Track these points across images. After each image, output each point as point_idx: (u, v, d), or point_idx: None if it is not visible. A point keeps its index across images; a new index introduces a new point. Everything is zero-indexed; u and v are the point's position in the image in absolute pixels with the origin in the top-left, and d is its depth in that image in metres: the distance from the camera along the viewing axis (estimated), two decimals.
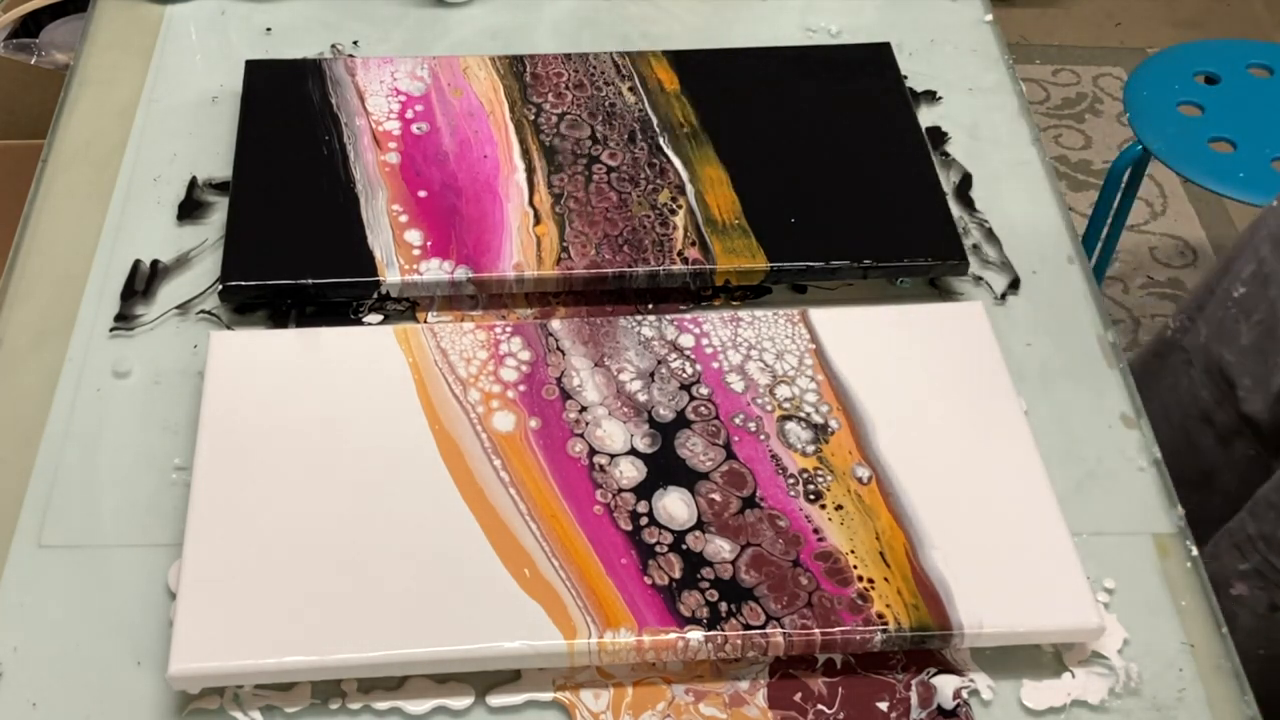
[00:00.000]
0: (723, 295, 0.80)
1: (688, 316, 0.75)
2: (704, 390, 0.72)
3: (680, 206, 0.81)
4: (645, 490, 0.67)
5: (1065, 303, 0.81)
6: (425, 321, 0.78)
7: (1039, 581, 0.64)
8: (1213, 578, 0.76)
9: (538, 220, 0.80)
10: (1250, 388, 0.98)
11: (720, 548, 0.65)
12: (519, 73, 0.90)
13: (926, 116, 0.92)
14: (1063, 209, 0.87)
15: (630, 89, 0.89)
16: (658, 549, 0.65)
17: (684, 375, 0.72)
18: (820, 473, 0.68)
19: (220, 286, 0.77)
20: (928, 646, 0.63)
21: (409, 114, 0.87)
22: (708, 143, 0.86)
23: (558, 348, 0.73)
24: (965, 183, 0.88)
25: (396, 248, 0.78)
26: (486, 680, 0.63)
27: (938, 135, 0.91)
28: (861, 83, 0.91)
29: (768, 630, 0.62)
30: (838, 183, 0.84)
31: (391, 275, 0.77)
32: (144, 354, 0.76)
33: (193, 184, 0.86)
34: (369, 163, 0.83)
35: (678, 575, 0.64)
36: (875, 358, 0.74)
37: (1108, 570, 0.68)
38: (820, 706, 0.63)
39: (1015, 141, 0.92)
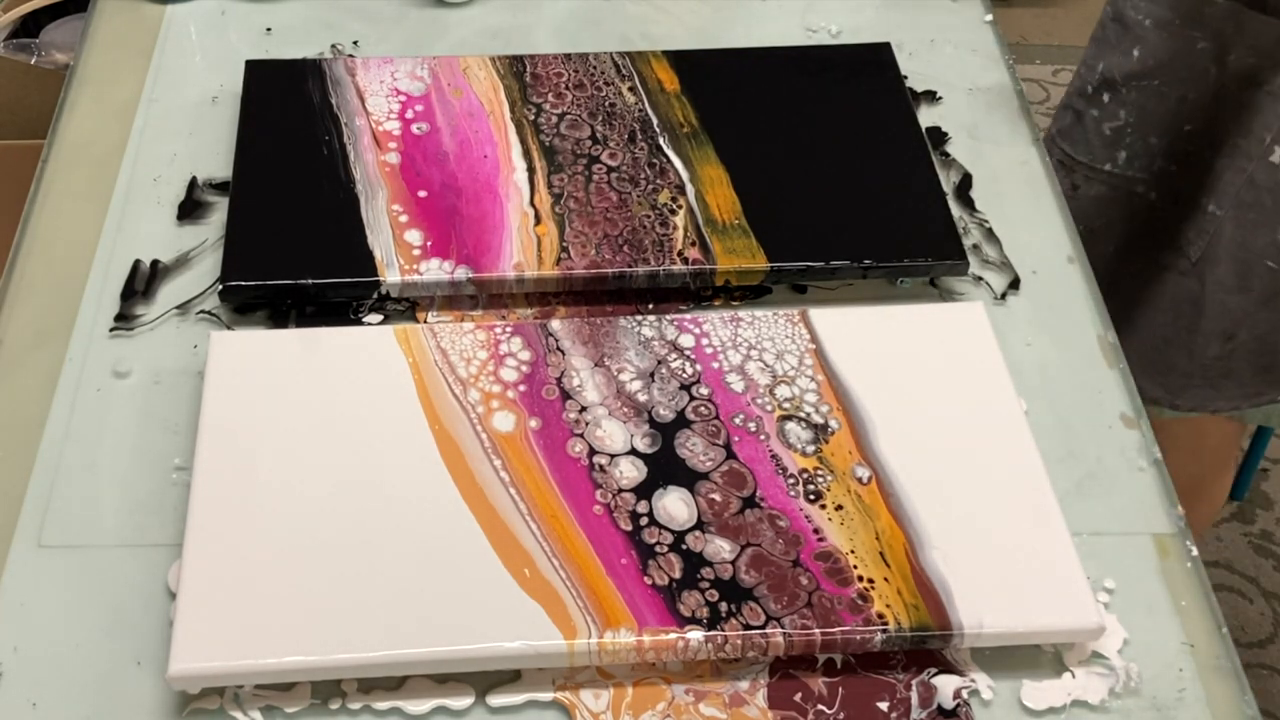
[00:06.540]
0: (723, 295, 0.80)
1: (688, 316, 0.75)
2: (704, 390, 0.72)
3: (680, 206, 0.81)
4: (645, 490, 0.67)
5: (1065, 303, 0.81)
6: (425, 321, 0.78)
7: (1039, 581, 0.64)
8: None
9: (538, 220, 0.80)
10: None
11: (720, 548, 0.65)
12: (519, 73, 0.90)
13: (926, 116, 0.92)
14: (1063, 209, 0.87)
15: (630, 89, 0.89)
16: (658, 549, 0.65)
17: (684, 375, 0.72)
18: (820, 473, 0.68)
19: (220, 286, 0.77)
20: (928, 646, 0.63)
21: (409, 114, 0.87)
22: (708, 143, 0.86)
23: (558, 348, 0.73)
24: (965, 183, 0.88)
25: (396, 248, 0.78)
26: (486, 680, 0.63)
27: (938, 135, 0.91)
28: (861, 83, 0.91)
29: (768, 630, 0.62)
30: (838, 183, 0.84)
31: (391, 275, 0.77)
32: (144, 354, 0.76)
33: (193, 184, 0.86)
34: (369, 163, 0.83)
35: (678, 575, 0.64)
36: (875, 358, 0.73)
37: (1108, 570, 0.68)
38: (820, 706, 0.62)
39: (1015, 141, 0.92)
